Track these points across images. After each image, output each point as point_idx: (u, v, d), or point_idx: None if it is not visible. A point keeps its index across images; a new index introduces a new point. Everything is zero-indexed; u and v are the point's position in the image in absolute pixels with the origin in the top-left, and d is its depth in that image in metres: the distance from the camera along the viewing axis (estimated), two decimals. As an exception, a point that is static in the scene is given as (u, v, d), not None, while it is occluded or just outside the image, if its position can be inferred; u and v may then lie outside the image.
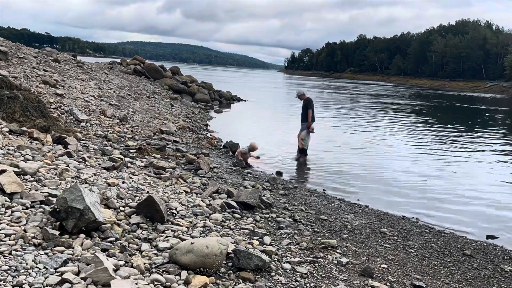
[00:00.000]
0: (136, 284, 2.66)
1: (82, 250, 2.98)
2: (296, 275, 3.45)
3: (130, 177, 5.10)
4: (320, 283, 3.39)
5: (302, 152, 9.97)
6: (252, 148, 8.57)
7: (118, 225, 3.54)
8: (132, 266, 2.89)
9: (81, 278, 2.58)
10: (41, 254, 2.80)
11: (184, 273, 2.95)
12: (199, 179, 5.96)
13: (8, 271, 2.55)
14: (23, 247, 2.84)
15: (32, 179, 4.00)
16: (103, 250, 3.08)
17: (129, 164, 5.80)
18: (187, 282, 2.86)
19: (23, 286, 2.45)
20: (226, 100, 22.30)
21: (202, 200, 4.83)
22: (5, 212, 3.23)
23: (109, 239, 3.26)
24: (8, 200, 3.42)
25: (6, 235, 2.91)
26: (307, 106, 10.36)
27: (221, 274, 3.15)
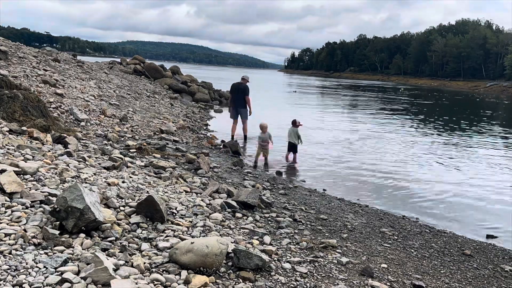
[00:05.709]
0: (136, 283, 2.66)
1: (82, 249, 2.98)
2: (296, 274, 3.44)
3: (130, 177, 5.10)
4: (320, 282, 3.39)
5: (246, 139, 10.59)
6: (263, 128, 8.47)
7: (118, 224, 3.54)
8: (132, 266, 2.89)
9: (81, 278, 2.58)
10: (41, 254, 2.80)
11: (184, 273, 2.95)
12: (199, 178, 5.96)
13: (8, 271, 2.55)
14: (23, 246, 2.84)
15: (32, 178, 4.01)
16: (103, 250, 3.08)
17: (129, 164, 5.80)
18: (187, 282, 2.86)
19: (23, 285, 2.45)
20: (226, 100, 22.29)
21: (202, 200, 4.83)
22: (5, 212, 3.23)
23: (109, 239, 3.26)
24: (8, 199, 3.42)
25: (6, 235, 2.92)
26: (246, 91, 10.49)
27: (221, 274, 3.15)
